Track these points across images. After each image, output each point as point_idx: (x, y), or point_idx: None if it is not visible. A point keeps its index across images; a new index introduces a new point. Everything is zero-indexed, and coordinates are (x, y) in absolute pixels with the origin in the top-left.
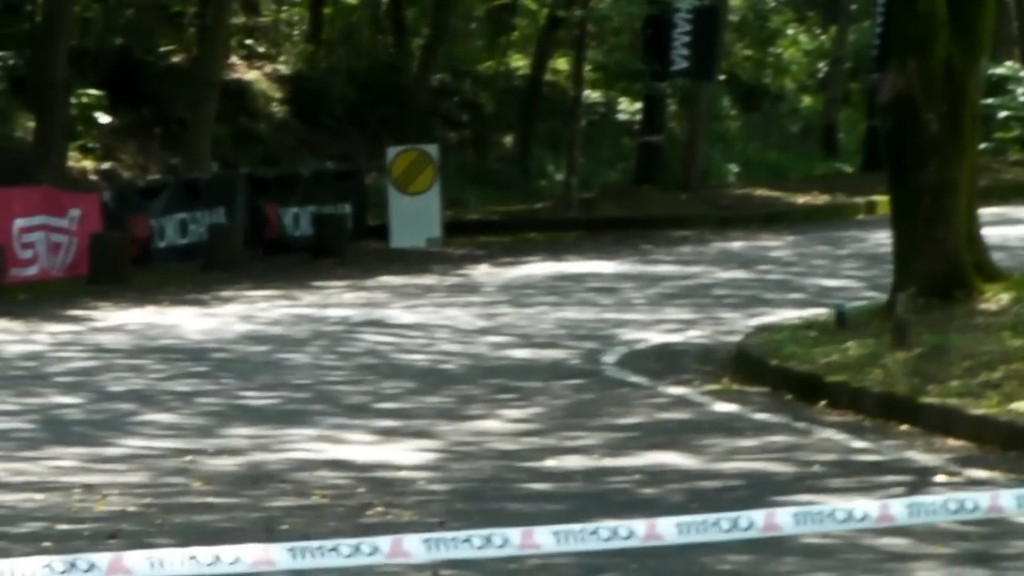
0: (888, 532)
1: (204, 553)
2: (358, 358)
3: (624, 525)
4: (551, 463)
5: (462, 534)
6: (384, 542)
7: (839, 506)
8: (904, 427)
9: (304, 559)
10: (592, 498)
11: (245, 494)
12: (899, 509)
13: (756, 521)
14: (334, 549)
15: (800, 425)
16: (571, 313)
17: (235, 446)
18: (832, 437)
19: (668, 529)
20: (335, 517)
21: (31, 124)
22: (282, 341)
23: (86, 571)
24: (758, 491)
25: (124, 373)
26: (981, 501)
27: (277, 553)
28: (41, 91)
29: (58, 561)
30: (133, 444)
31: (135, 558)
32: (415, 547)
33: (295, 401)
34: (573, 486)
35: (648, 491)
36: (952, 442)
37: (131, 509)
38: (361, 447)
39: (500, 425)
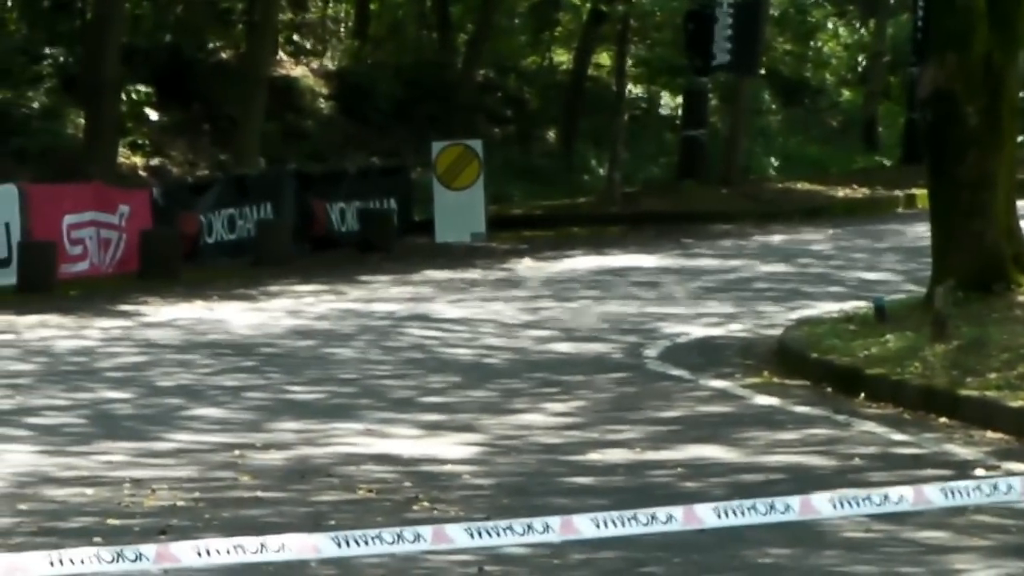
0: (928, 525)
1: (250, 542)
2: (404, 352)
3: (663, 510)
4: (594, 456)
5: (504, 522)
6: (427, 530)
7: (875, 490)
8: (943, 420)
9: (349, 548)
10: (634, 491)
11: (293, 488)
12: (934, 493)
13: (793, 505)
14: (378, 537)
15: (840, 418)
16: (613, 307)
17: (283, 440)
18: (872, 430)
19: (706, 513)
20: (382, 512)
21: (81, 121)
22: (329, 336)
23: (134, 560)
24: (799, 484)
25: (173, 368)
26: (1015, 484)
27: (322, 541)
28: (92, 88)
29: (106, 551)
30: (182, 439)
31: (182, 547)
32: (458, 535)
33: (341, 395)
34: (616, 479)
35: (690, 484)
36: (991, 435)
37: (180, 504)
38: (407, 441)
39: (543, 419)
